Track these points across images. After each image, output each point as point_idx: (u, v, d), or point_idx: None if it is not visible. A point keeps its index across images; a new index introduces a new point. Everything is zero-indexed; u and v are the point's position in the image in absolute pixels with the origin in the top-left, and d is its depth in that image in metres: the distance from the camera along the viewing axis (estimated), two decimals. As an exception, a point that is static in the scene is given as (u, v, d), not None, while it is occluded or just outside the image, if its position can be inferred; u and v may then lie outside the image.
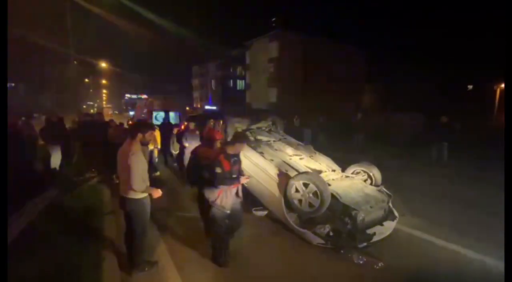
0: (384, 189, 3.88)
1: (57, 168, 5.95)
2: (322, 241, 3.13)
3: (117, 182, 4.44)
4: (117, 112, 50.28)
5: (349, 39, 27.88)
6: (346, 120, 14.12)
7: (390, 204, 3.73)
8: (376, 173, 4.03)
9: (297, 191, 3.39)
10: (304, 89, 27.12)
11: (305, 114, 13.79)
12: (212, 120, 5.89)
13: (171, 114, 11.95)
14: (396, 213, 3.67)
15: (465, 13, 36.20)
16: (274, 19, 28.37)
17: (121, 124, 7.80)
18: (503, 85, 23.36)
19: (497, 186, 5.49)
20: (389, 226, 3.44)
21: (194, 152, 3.37)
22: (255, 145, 4.58)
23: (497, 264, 2.82)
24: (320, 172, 4.08)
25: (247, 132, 5.03)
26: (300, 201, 3.36)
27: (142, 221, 2.63)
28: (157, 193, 2.63)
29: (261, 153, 4.29)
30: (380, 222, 3.44)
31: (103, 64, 39.53)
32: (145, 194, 2.61)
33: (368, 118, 10.09)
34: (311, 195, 3.26)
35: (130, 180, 2.43)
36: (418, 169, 7.39)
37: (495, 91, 23.62)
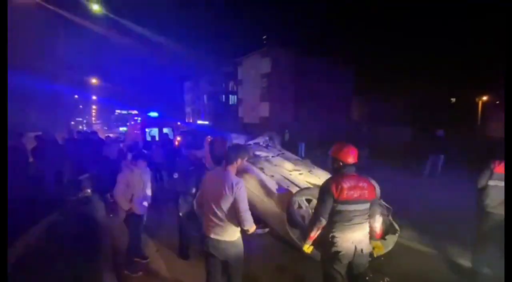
0: (384, 202, 3.94)
1: (49, 188, 5.78)
2: (327, 257, 3.12)
3: (112, 200, 4.18)
4: (106, 128, 49.53)
5: (338, 54, 28.83)
6: (339, 133, 14.44)
7: (390, 217, 3.78)
8: (375, 186, 4.09)
9: (299, 207, 3.40)
10: (296, 104, 27.69)
11: (298, 128, 14.03)
12: (209, 136, 5.91)
13: (165, 130, 11.88)
14: (396, 226, 3.72)
15: (445, 32, 38.62)
16: (265, 36, 29.35)
17: (116, 139, 7.73)
18: (485, 97, 24.58)
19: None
20: (391, 240, 3.47)
21: None
22: (254, 161, 4.61)
23: (494, 273, 2.88)
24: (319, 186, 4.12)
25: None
26: (303, 217, 3.37)
27: (241, 265, 2.21)
28: (253, 227, 2.14)
29: (261, 169, 4.32)
30: (383, 236, 3.47)
31: (94, 80, 39.38)
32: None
33: (360, 131, 10.30)
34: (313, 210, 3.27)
35: (239, 217, 2.01)
36: (413, 180, 7.55)
37: (477, 103, 24.77)
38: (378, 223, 2.23)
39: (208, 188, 2.14)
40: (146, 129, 11.89)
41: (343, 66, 29.61)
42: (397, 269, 3.10)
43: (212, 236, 2.07)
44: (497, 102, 25.58)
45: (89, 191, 6.14)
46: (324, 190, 2.13)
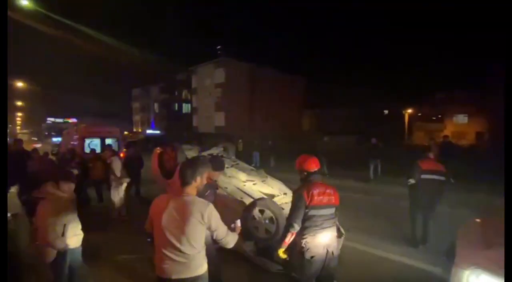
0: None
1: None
2: (281, 268, 3.17)
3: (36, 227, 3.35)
4: (36, 139, 43.11)
5: (291, 68, 30.63)
6: (291, 143, 15.16)
7: (337, 221, 4.05)
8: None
9: (253, 218, 3.41)
10: (251, 114, 28.24)
11: (252, 138, 14.27)
12: (159, 148, 5.56)
13: (108, 141, 10.79)
14: (342, 230, 3.99)
15: (380, 56, 44.64)
16: (219, 46, 29.51)
17: (46, 154, 6.73)
18: (410, 110, 28.67)
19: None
20: (338, 243, 3.71)
21: None
22: (208, 173, 4.49)
23: (433, 269, 3.31)
24: (273, 196, 4.22)
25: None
26: (256, 228, 3.38)
27: None
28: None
29: (214, 180, 4.23)
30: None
31: (19, 84, 34.13)
32: None
33: (310, 141, 11.00)
34: (267, 221, 3.33)
35: (221, 243, 1.80)
36: (356, 186, 8.29)
37: (404, 115, 28.76)
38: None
39: (162, 218, 1.66)
40: (86, 140, 10.64)
41: (295, 80, 31.48)
42: (344, 272, 3.30)
43: (173, 276, 1.65)
44: (419, 114, 30.10)
45: (9, 215, 5.17)
46: (296, 197, 2.25)
